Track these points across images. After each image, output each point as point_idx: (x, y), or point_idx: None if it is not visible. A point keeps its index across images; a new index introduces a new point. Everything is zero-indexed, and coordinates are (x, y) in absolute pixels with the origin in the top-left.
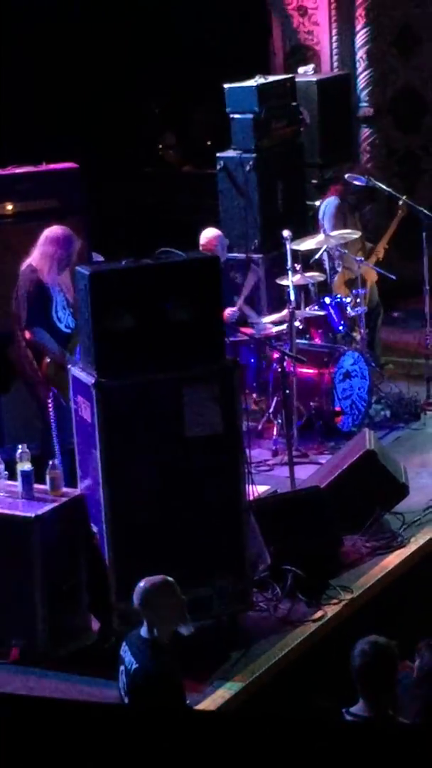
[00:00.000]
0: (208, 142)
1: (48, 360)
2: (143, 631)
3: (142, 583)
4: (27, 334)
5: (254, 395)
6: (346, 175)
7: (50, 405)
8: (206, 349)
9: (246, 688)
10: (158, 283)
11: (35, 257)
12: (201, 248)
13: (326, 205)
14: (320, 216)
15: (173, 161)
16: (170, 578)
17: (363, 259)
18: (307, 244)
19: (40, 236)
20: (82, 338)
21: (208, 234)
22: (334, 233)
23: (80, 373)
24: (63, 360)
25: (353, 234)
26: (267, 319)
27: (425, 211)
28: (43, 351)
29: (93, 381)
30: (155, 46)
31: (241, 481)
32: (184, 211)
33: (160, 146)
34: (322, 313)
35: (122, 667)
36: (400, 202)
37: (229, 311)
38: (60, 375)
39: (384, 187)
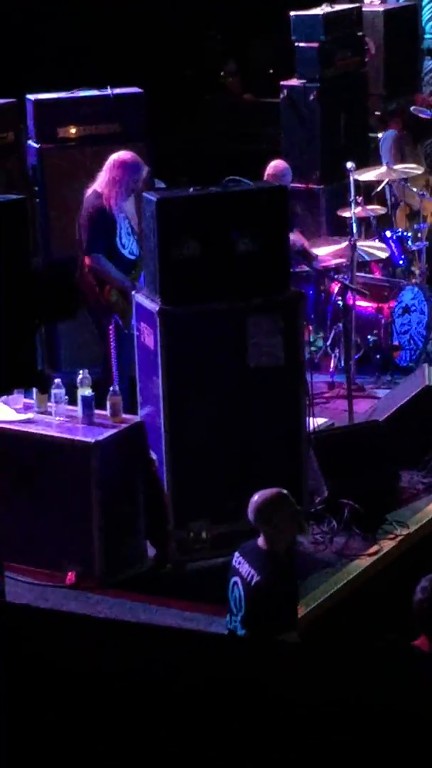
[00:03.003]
0: (270, 71)
1: (109, 286)
2: (260, 542)
3: (255, 497)
4: (87, 260)
5: (311, 327)
6: (411, 108)
7: (111, 332)
8: (271, 280)
9: (300, 620)
10: (226, 211)
11: (101, 182)
12: (267, 178)
13: (385, 138)
14: (380, 148)
15: (234, 89)
16: (284, 490)
17: (426, 193)
18: (368, 176)
19: (107, 161)
20: (147, 265)
21: (276, 164)
22: (397, 167)
23: (144, 300)
24: (124, 286)
25: (417, 169)
26: (326, 250)
27: None
28: (104, 277)
29: (157, 308)
30: None
31: (301, 413)
32: (243, 140)
33: (222, 74)
34: (384, 255)
35: (235, 579)
36: None
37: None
38: (122, 302)
39: None
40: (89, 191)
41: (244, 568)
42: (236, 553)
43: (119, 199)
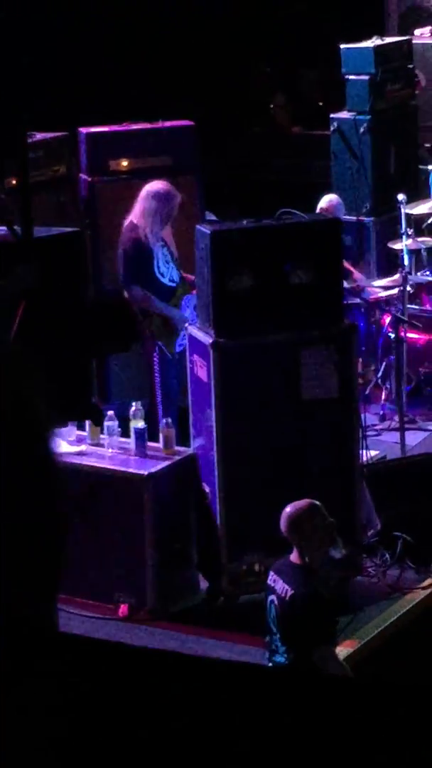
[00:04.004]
0: (320, 103)
1: (151, 315)
2: (293, 557)
3: (288, 509)
4: (125, 293)
5: (361, 360)
6: None
7: (155, 359)
8: (325, 312)
9: (355, 653)
10: (280, 244)
11: (136, 213)
12: (320, 211)
13: None
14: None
15: (283, 121)
16: (316, 501)
17: None
18: (420, 209)
19: (141, 192)
20: (201, 297)
21: (329, 198)
22: None
23: (197, 332)
24: (165, 313)
25: None
26: (378, 282)
27: None
28: (144, 306)
29: (211, 341)
30: (270, 4)
31: (355, 445)
32: (292, 172)
33: (271, 106)
34: None
35: (272, 597)
36: None
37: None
38: (164, 329)
39: None
40: (126, 222)
41: (279, 585)
42: (270, 572)
43: (156, 229)
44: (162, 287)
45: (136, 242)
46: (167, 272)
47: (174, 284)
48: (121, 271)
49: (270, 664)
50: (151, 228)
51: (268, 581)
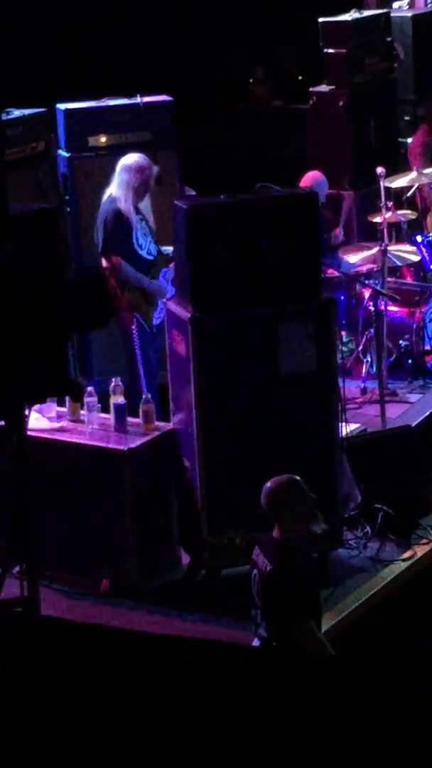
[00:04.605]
0: (299, 77)
1: (129, 287)
2: (275, 532)
3: (268, 484)
4: (104, 263)
5: (343, 333)
6: None
7: (134, 332)
8: (303, 286)
9: (335, 625)
10: (257, 218)
11: (113, 186)
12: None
13: (413, 143)
14: (409, 153)
15: (263, 96)
16: (297, 476)
17: None
18: (399, 181)
19: (117, 165)
20: (178, 272)
21: (313, 175)
22: (427, 171)
23: (176, 307)
24: (144, 286)
25: None
26: (357, 256)
27: None
28: (123, 278)
29: (189, 316)
30: None
31: (334, 418)
32: (272, 147)
33: (251, 81)
34: (416, 258)
35: (254, 572)
36: None
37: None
38: (142, 301)
39: None
40: (105, 195)
41: (261, 560)
42: (255, 547)
43: (131, 201)
44: (140, 259)
45: (117, 213)
46: (145, 245)
47: (152, 257)
48: (100, 241)
49: (256, 637)
50: (126, 201)
51: (253, 555)
